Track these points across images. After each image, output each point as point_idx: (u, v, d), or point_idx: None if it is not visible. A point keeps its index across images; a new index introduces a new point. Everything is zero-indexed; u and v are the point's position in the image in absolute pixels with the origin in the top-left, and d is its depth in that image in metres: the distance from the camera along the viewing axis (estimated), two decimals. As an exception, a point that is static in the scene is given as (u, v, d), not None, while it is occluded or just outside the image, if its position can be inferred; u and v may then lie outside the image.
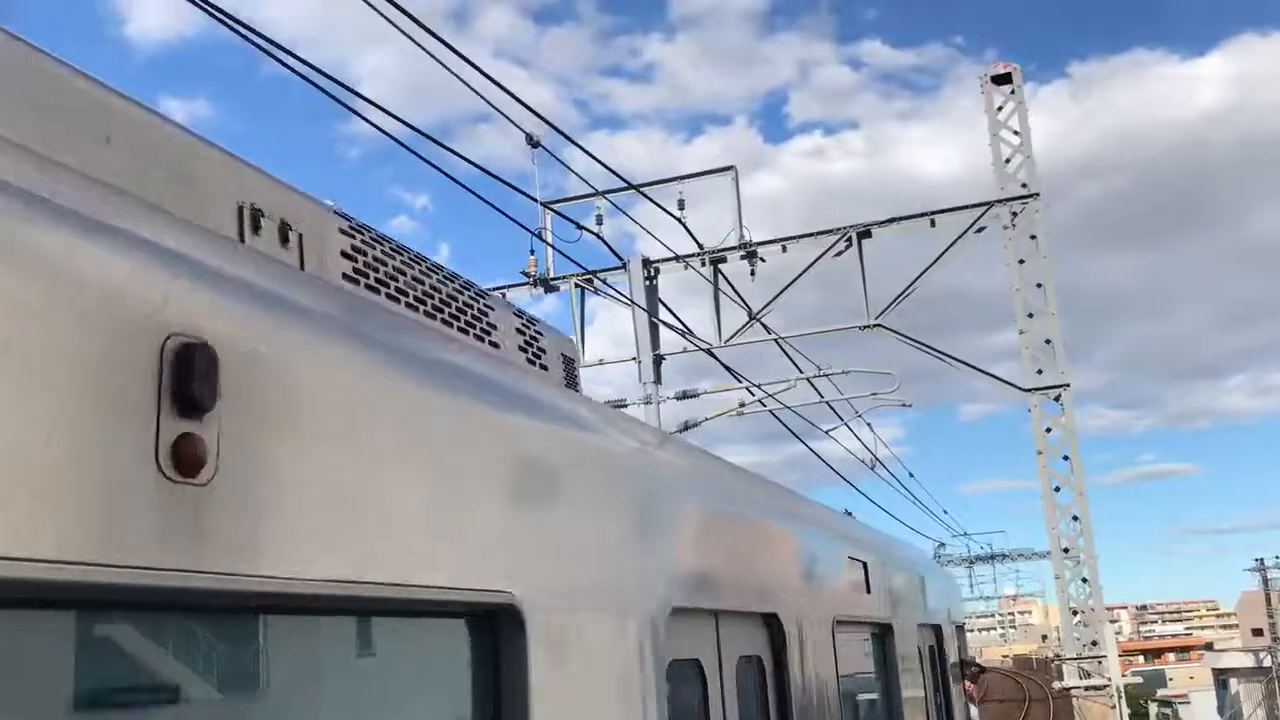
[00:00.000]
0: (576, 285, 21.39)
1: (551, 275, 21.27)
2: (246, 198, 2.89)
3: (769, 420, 19.95)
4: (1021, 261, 19.97)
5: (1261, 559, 56.71)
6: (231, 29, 6.48)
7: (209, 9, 6.29)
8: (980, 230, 20.06)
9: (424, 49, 7.66)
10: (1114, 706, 20.28)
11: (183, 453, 1.75)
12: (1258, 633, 59.61)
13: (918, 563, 9.83)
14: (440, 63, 7.86)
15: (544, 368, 4.37)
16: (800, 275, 20.54)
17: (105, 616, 1.78)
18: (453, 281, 3.91)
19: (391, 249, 3.58)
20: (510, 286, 21.98)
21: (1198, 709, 58.97)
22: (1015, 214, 20.05)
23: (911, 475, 30.21)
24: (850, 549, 6.66)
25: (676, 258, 19.98)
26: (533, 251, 20.24)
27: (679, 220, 19.52)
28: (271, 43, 6.75)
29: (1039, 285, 19.87)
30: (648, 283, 20.49)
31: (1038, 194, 20.09)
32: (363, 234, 3.42)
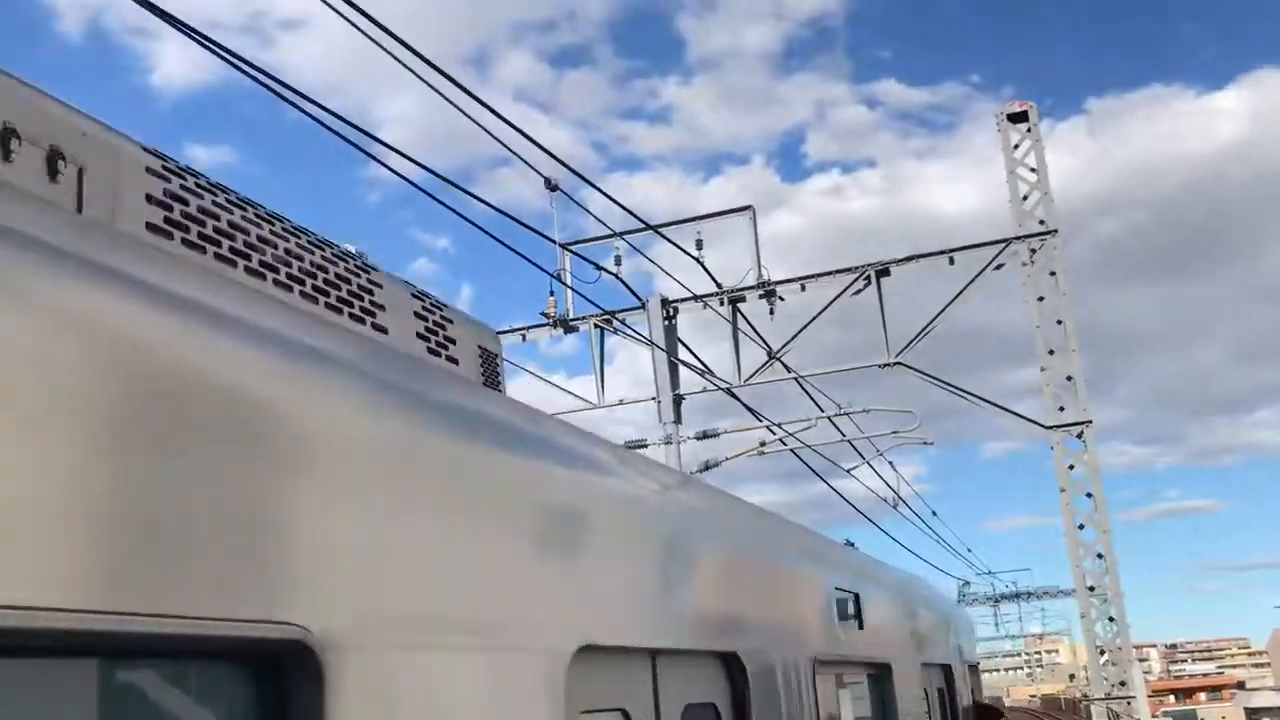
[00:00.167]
0: (596, 326, 21.45)
1: (571, 316, 21.34)
2: None
3: (790, 459, 19.92)
4: (1041, 298, 19.93)
5: (1292, 596, 55.79)
6: (254, 78, 6.61)
7: (231, 57, 6.41)
8: (999, 267, 20.04)
9: (444, 96, 7.78)
10: (1144, 748, 19.98)
11: None
12: (1290, 671, 58.56)
13: (924, 596, 9.03)
14: (460, 109, 7.98)
15: (452, 360, 3.83)
16: (819, 314, 20.56)
17: None
18: (323, 249, 3.34)
19: (230, 201, 3.00)
20: (530, 327, 22.06)
21: (1230, 750, 57.91)
22: (1034, 251, 20.03)
23: (934, 513, 30.07)
24: (839, 579, 5.97)
25: (695, 297, 20.04)
26: (552, 293, 20.33)
27: (697, 260, 19.60)
28: (293, 90, 6.87)
29: (1059, 322, 19.81)
30: (667, 322, 20.53)
31: (1056, 231, 20.07)
32: (185, 178, 2.86)
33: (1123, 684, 19.71)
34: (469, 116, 7.98)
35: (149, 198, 2.68)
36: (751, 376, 20.61)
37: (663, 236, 17.51)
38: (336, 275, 3.31)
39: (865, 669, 6.51)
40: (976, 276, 19.95)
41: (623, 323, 21.09)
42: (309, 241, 3.27)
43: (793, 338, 20.78)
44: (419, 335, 3.68)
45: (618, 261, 19.35)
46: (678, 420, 19.61)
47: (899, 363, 19.73)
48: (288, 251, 3.11)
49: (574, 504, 3.16)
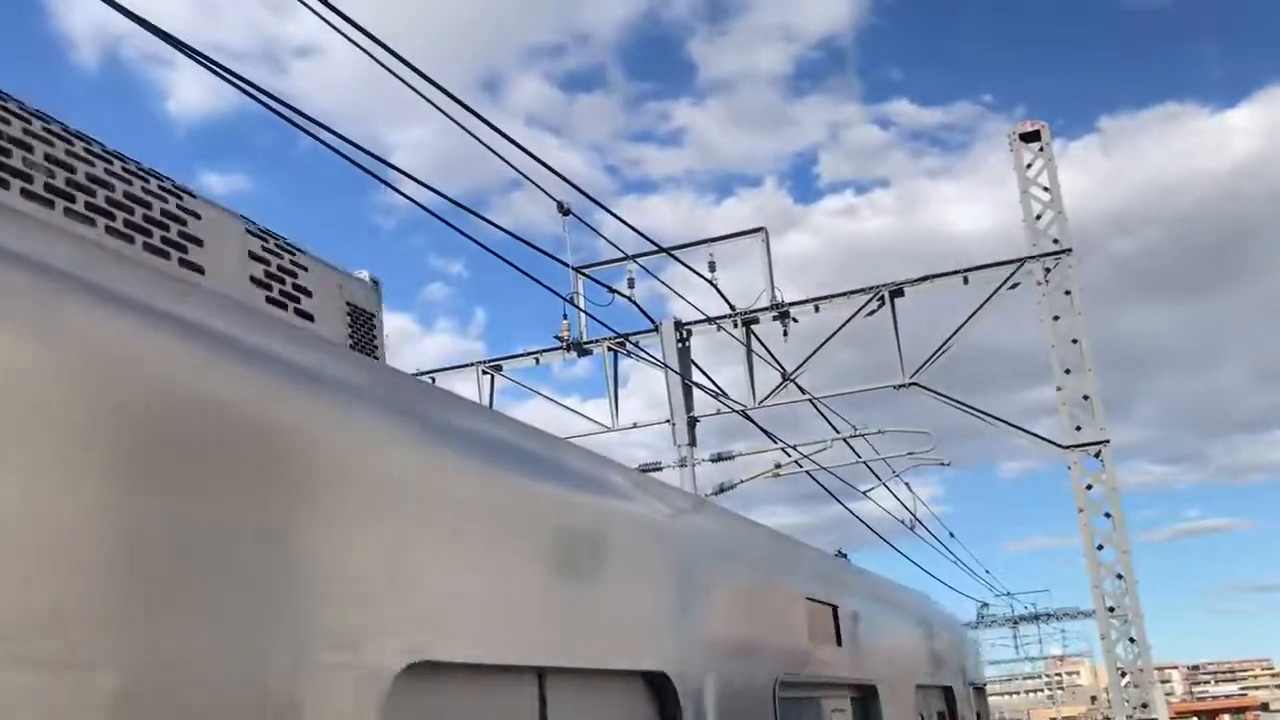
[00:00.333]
0: (609, 349, 21.47)
1: (584, 339, 21.37)
2: None
3: (806, 481, 19.87)
4: (1056, 318, 19.85)
5: (1316, 616, 55.25)
6: (268, 106, 6.65)
7: (245, 84, 6.45)
8: (1014, 287, 19.99)
9: (456, 121, 7.81)
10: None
11: None
12: (1315, 692, 57.90)
13: (921, 612, 8.24)
14: (472, 134, 8.01)
15: (304, 315, 3.24)
16: (833, 335, 20.52)
17: None
18: (112, 161, 2.77)
19: None
20: (544, 351, 22.09)
21: (1255, 772, 57.23)
22: (1048, 270, 19.97)
23: (952, 535, 29.94)
24: (812, 589, 5.22)
25: (708, 320, 20.04)
26: (565, 316, 20.37)
27: (710, 282, 19.61)
28: (307, 117, 6.91)
29: (1075, 341, 19.72)
30: (680, 345, 20.53)
31: (1070, 250, 20.01)
32: None
33: (1145, 706, 19.50)
34: (481, 142, 8.01)
35: None
36: (766, 398, 20.57)
37: (675, 259, 17.54)
38: (128, 195, 2.72)
39: (845, 691, 5.77)
40: (991, 296, 19.91)
41: (636, 345, 21.09)
42: (91, 152, 2.70)
43: (807, 359, 20.75)
44: (256, 281, 3.08)
45: (631, 284, 19.37)
46: (692, 443, 19.57)
47: (914, 383, 19.67)
48: (55, 160, 2.55)
49: (415, 478, 2.37)
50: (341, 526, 2.09)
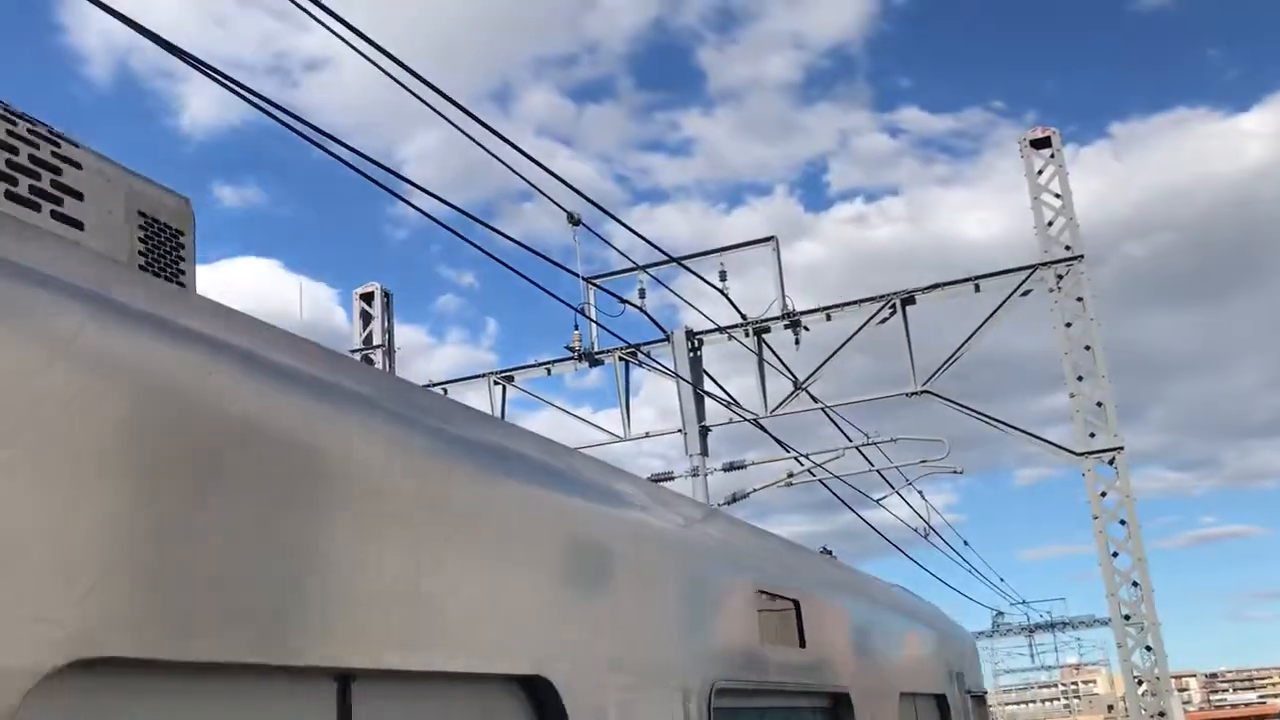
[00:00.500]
0: (620, 359, 21.48)
1: (595, 350, 21.38)
2: None
3: (819, 490, 19.82)
4: (1069, 324, 19.79)
5: (1334, 622, 54.88)
6: (279, 120, 6.68)
7: (256, 98, 6.48)
8: (1026, 294, 19.95)
9: (466, 133, 7.83)
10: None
11: None
12: (1334, 700, 57.50)
13: (910, 612, 7.54)
14: (482, 146, 8.03)
15: (69, 220, 2.58)
16: (845, 344, 20.50)
17: None
18: None
19: None
20: (555, 361, 22.12)
21: (1275, 781, 56.82)
22: (1060, 276, 19.92)
23: (966, 543, 29.78)
24: (768, 580, 4.61)
25: (720, 329, 20.04)
26: (576, 327, 20.39)
27: (721, 292, 19.62)
28: (318, 130, 6.94)
29: (1087, 348, 19.65)
30: (691, 354, 20.53)
31: (1082, 256, 19.95)
32: None
33: (1162, 714, 19.37)
34: (491, 153, 8.03)
35: None
36: (778, 407, 20.54)
37: (686, 269, 17.53)
38: None
39: (809, 699, 5.06)
40: (1003, 303, 19.86)
41: (647, 355, 21.10)
42: None
43: (818, 368, 20.72)
44: None
45: (641, 294, 19.39)
46: (704, 452, 19.56)
47: (926, 391, 19.63)
48: None
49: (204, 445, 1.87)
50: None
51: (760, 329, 20.71)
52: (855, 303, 20.62)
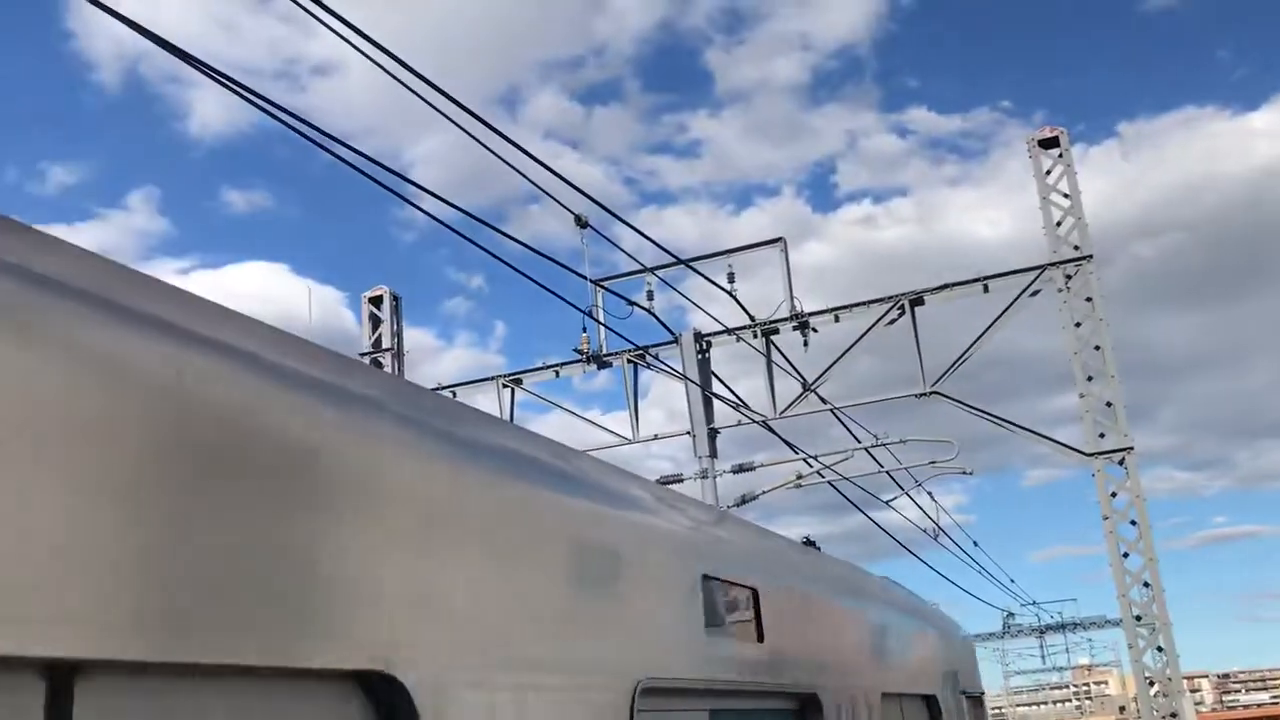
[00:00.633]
0: (629, 361, 21.49)
1: (604, 352, 21.40)
2: None
3: (828, 491, 19.81)
4: (1078, 324, 19.75)
5: (1347, 623, 54.65)
6: (286, 124, 6.71)
7: (265, 103, 6.51)
8: (1035, 294, 19.92)
9: (474, 137, 7.85)
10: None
11: None
12: (1347, 700, 57.24)
13: (898, 606, 7.05)
14: (490, 149, 8.05)
15: None
16: (854, 345, 20.49)
17: None
18: None
19: None
20: (564, 364, 22.14)
21: (1288, 782, 56.58)
22: (1069, 277, 19.88)
23: (976, 544, 29.74)
24: (715, 564, 4.08)
25: (728, 331, 20.04)
26: (585, 329, 20.40)
27: (729, 293, 19.62)
28: (325, 134, 6.97)
29: (1097, 348, 19.62)
30: (700, 356, 20.53)
31: (1091, 256, 19.92)
32: None
33: (1174, 716, 19.31)
34: (498, 156, 8.05)
35: None
36: (786, 409, 20.53)
37: (694, 270, 17.55)
38: None
39: (767, 700, 4.53)
40: (1012, 304, 19.84)
41: (656, 357, 21.11)
42: None
43: (827, 369, 20.71)
44: None
45: (650, 296, 19.41)
46: (713, 454, 19.55)
47: (935, 392, 19.60)
48: None
49: None
50: None
51: (769, 330, 20.71)
52: (864, 304, 20.61)
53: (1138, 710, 21.34)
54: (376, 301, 23.52)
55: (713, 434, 19.77)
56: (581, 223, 10.18)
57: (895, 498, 21.30)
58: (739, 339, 20.52)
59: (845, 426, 19.68)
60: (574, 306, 11.09)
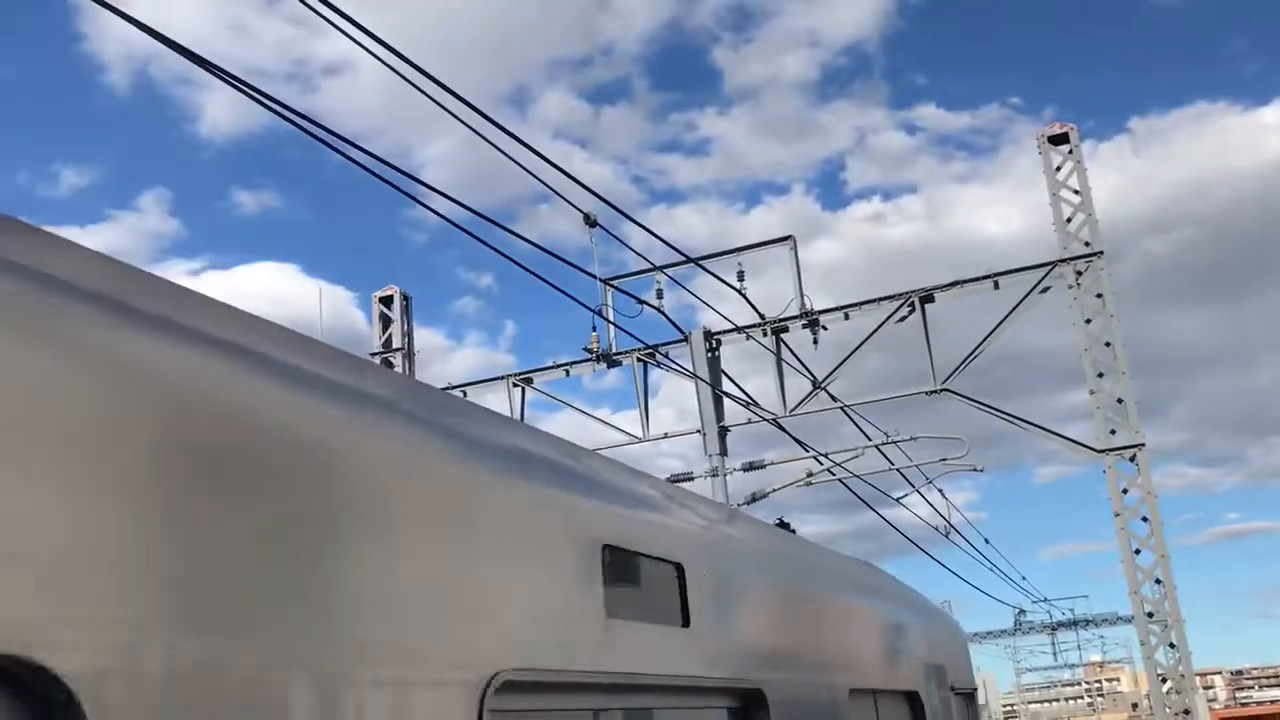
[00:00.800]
0: (639, 360, 21.51)
1: (614, 350, 21.41)
2: None
3: (839, 489, 19.80)
4: (1089, 321, 19.72)
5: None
6: (297, 125, 6.73)
7: (275, 104, 6.54)
8: (1045, 290, 19.89)
9: (483, 137, 7.87)
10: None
11: None
12: (1362, 697, 56.99)
13: (873, 591, 6.41)
14: (499, 149, 8.07)
15: None
16: (863, 343, 20.48)
17: None
18: None
19: None
20: (574, 363, 22.16)
21: (1302, 779, 56.30)
22: (1080, 273, 19.84)
23: (987, 541, 29.71)
24: (617, 533, 3.41)
25: (738, 329, 20.04)
26: (594, 328, 20.43)
27: (739, 292, 19.63)
28: (335, 135, 6.99)
29: (1108, 344, 19.57)
30: (710, 355, 20.53)
31: (1101, 252, 19.88)
32: None
33: (1186, 712, 19.27)
34: (508, 155, 8.07)
35: None
36: (797, 407, 20.53)
37: (704, 269, 17.54)
38: None
39: (694, 697, 3.82)
40: (1022, 300, 19.81)
41: (666, 356, 21.12)
42: None
43: (837, 367, 20.70)
44: None
45: (659, 295, 19.42)
46: (723, 452, 19.56)
47: (946, 389, 19.58)
48: None
49: None
50: None
51: (778, 329, 20.71)
52: (874, 301, 20.59)
53: (1150, 707, 21.30)
54: (387, 301, 23.58)
55: (723, 432, 19.77)
56: (591, 222, 10.20)
57: (906, 495, 21.31)
58: (749, 337, 20.51)
59: (855, 424, 19.69)
60: (584, 305, 11.11)
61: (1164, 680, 19.57)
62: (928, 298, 20.15)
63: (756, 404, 20.24)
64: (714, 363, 20.60)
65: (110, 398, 1.87)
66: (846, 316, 20.81)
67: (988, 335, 19.88)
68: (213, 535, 1.99)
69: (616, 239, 11.08)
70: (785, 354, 20.73)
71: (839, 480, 19.65)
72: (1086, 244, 20.06)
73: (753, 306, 20.22)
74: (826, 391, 20.42)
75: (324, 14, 6.45)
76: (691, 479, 19.55)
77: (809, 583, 5.23)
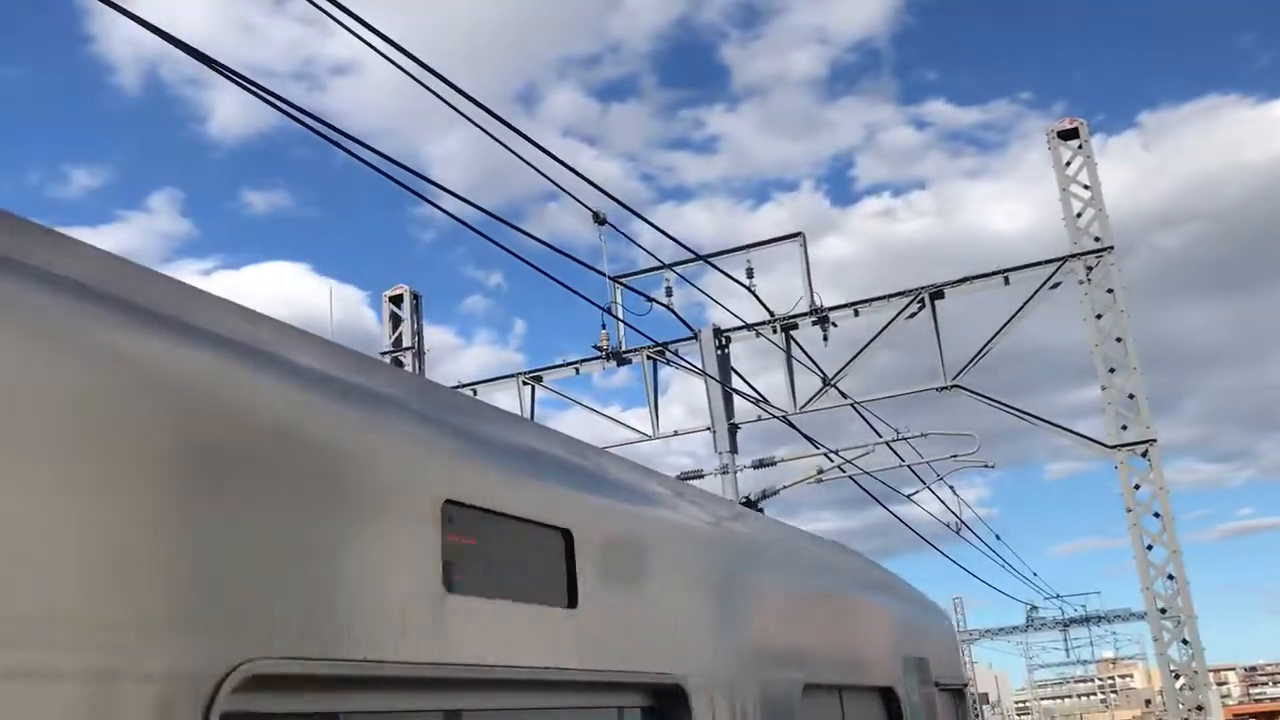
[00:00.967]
0: (648, 357, 21.51)
1: (623, 348, 21.43)
2: None
3: (850, 486, 19.77)
4: (1099, 316, 19.66)
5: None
6: (305, 125, 6.75)
7: (283, 104, 6.56)
8: (1055, 286, 19.84)
9: (492, 135, 7.87)
10: (1225, 774, 19.45)
11: None
12: (1376, 693, 56.70)
13: (842, 573, 5.76)
14: (508, 147, 8.07)
15: None
16: (874, 339, 20.46)
17: None
18: None
19: None
20: (583, 361, 22.17)
21: (1317, 775, 56.11)
22: (1090, 268, 19.79)
23: (998, 537, 29.67)
24: (468, 487, 2.74)
25: (747, 326, 20.03)
26: (604, 326, 20.44)
27: (749, 289, 19.62)
28: (343, 134, 7.01)
29: (1118, 340, 19.52)
30: (719, 352, 20.53)
31: (1111, 247, 19.82)
32: None
33: (1199, 709, 19.21)
34: (516, 154, 8.08)
35: None
36: (807, 404, 20.51)
37: (713, 266, 17.54)
38: None
39: (586, 695, 3.15)
40: (1032, 296, 19.76)
41: (675, 354, 21.12)
42: None
43: (847, 364, 20.68)
44: None
45: (669, 293, 19.44)
46: (733, 449, 19.56)
47: (956, 385, 19.54)
48: None
49: None
50: None
51: (788, 326, 20.69)
52: (883, 298, 20.56)
53: (1163, 703, 21.24)
54: (397, 300, 23.62)
55: (733, 429, 19.77)
56: (600, 220, 10.21)
57: (917, 492, 21.29)
58: (758, 334, 20.50)
59: (866, 421, 19.67)
60: (593, 304, 11.12)
61: (1177, 676, 19.52)
62: (938, 294, 20.12)
63: (766, 401, 20.23)
64: (724, 360, 20.60)
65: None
66: (856, 313, 20.79)
67: (998, 331, 19.83)
68: None
69: (625, 237, 11.10)
70: (795, 351, 20.72)
71: (849, 477, 19.63)
72: (1097, 239, 20.00)
73: (762, 304, 20.22)
74: (836, 388, 20.40)
75: (332, 14, 6.47)
76: (702, 476, 19.56)
77: (755, 561, 4.51)
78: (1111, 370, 19.56)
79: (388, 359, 22.04)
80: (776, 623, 4.53)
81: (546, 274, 8.91)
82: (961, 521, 24.48)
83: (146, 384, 1.97)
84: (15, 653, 1.62)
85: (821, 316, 20.51)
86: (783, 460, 19.80)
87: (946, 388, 19.53)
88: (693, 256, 16.24)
